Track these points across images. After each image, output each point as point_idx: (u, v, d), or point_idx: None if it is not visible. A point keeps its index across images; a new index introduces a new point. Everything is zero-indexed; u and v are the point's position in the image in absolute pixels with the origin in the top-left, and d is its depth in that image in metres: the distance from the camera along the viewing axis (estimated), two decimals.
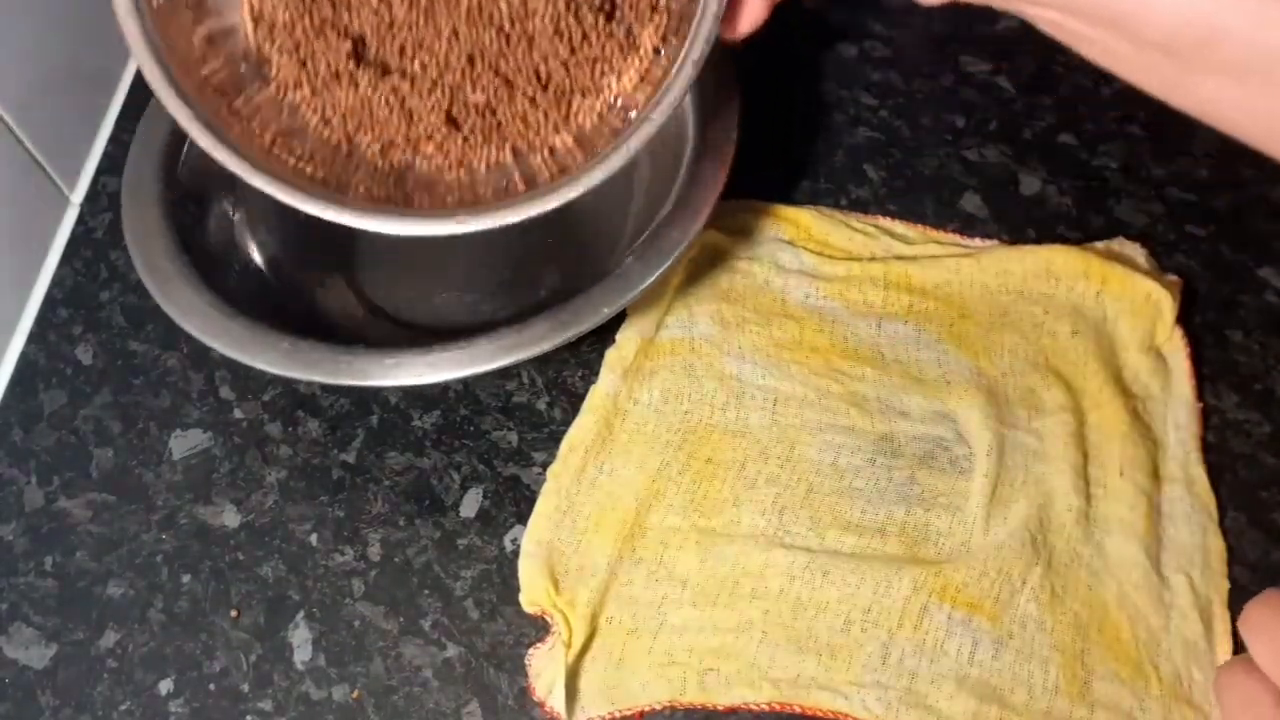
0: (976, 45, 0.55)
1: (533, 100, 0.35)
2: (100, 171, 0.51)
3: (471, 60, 0.35)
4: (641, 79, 0.34)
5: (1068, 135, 0.52)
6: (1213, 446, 0.43)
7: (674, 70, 0.32)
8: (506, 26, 0.34)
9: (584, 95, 0.35)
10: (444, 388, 0.45)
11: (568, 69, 0.35)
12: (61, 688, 0.39)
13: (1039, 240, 0.48)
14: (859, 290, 0.46)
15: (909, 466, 0.42)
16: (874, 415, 0.43)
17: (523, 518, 0.42)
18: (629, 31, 0.34)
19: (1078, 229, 0.49)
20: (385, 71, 0.35)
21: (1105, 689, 0.38)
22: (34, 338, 0.47)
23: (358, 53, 0.35)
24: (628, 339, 0.44)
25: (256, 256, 0.45)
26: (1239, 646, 0.38)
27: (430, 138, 0.35)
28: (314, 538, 0.42)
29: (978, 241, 0.48)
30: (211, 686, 0.39)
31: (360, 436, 0.44)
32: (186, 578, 0.41)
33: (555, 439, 0.43)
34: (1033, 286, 0.46)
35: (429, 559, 0.41)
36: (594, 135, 0.35)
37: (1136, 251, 0.47)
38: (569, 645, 0.38)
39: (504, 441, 0.44)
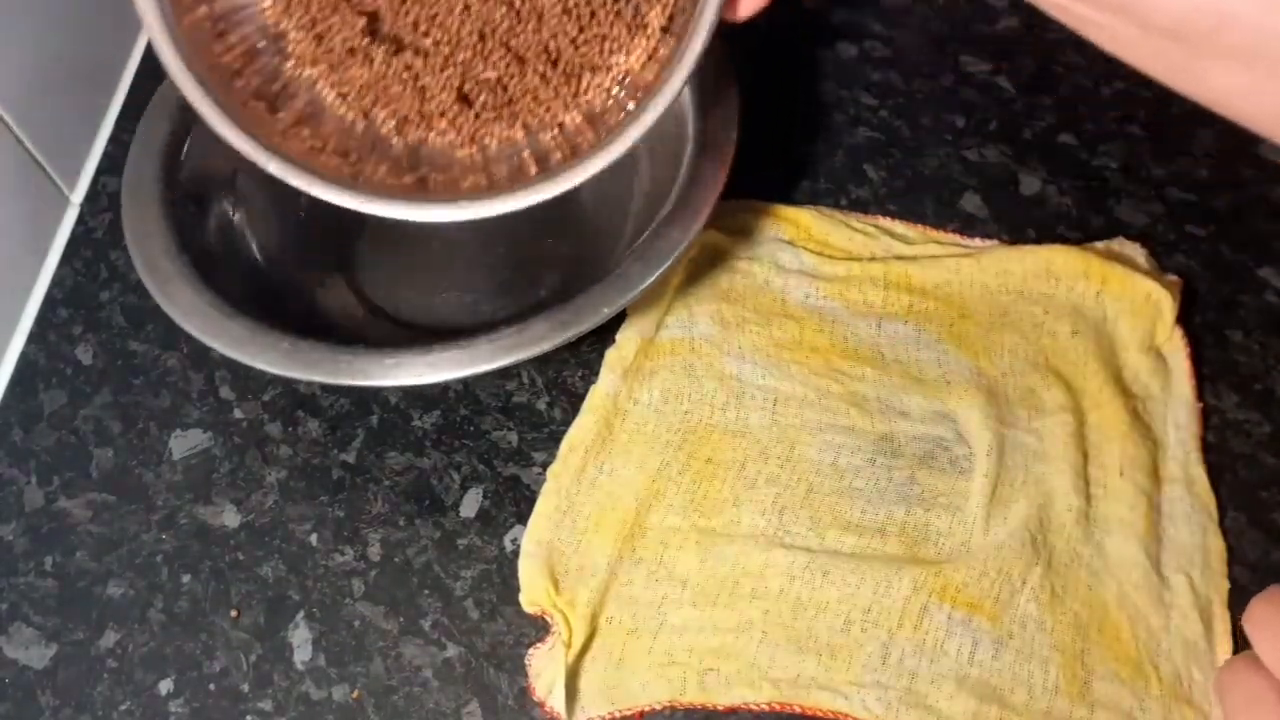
0: (976, 45, 0.55)
1: (543, 77, 0.35)
2: (100, 171, 0.51)
3: (482, 36, 0.35)
4: (649, 57, 0.35)
5: (1068, 135, 0.52)
6: (1213, 446, 0.43)
7: (677, 52, 0.32)
8: (517, 3, 0.35)
9: (593, 73, 0.35)
10: (444, 388, 0.45)
11: (576, 46, 0.35)
12: (61, 688, 0.39)
13: (1039, 240, 0.48)
14: (859, 290, 0.46)
15: (909, 466, 0.42)
16: (874, 415, 0.43)
17: (523, 518, 0.42)
18: (636, 10, 0.35)
19: (1078, 229, 0.49)
20: (399, 48, 0.35)
21: (1105, 689, 0.38)
22: (34, 338, 0.47)
23: (372, 28, 0.35)
24: (628, 339, 0.44)
25: (256, 256, 0.45)
26: (1239, 646, 0.38)
27: (443, 114, 0.36)
28: (314, 538, 0.42)
29: (978, 241, 0.48)
30: (211, 686, 0.39)
31: (360, 436, 0.44)
32: (186, 578, 0.41)
33: (555, 439, 0.43)
34: (1033, 286, 0.46)
35: (429, 559, 0.41)
36: (603, 113, 0.35)
37: (1136, 251, 0.47)
38: (569, 645, 0.38)
39: (504, 441, 0.44)
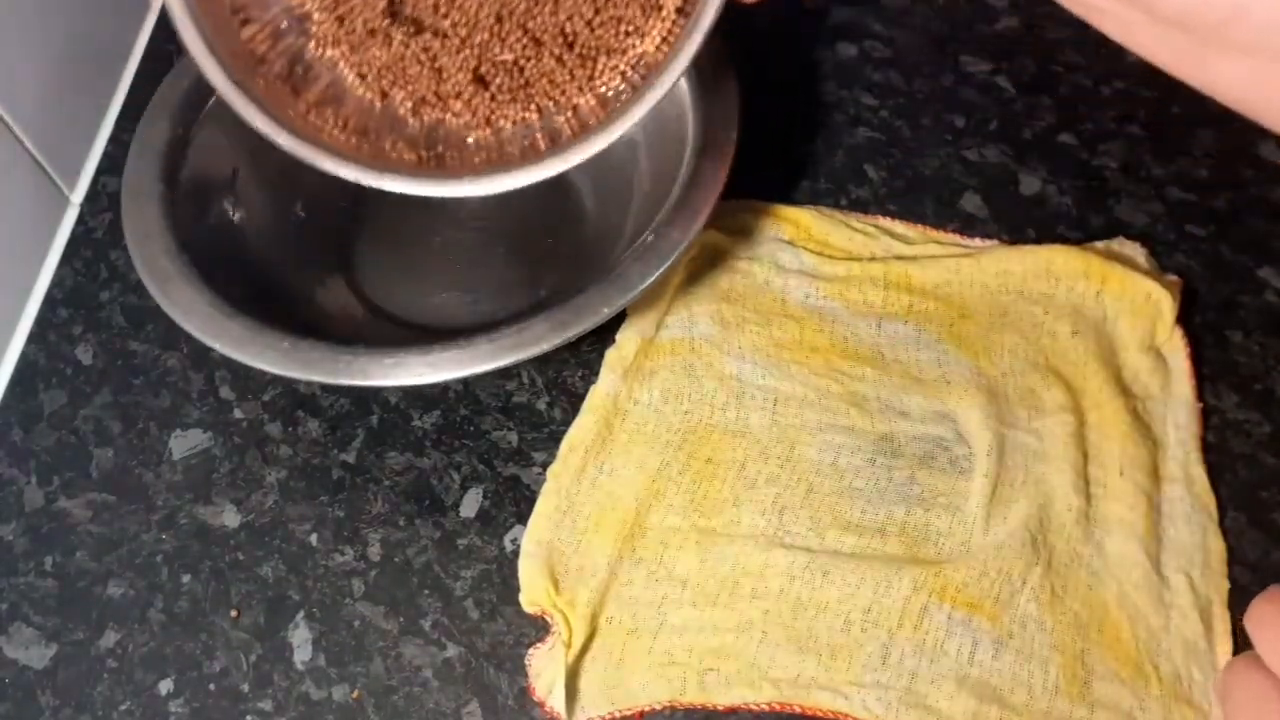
0: (976, 45, 0.55)
1: (559, 59, 0.36)
2: (100, 171, 0.51)
3: (500, 19, 0.35)
4: (664, 40, 0.35)
5: (1068, 135, 0.52)
6: (1213, 446, 0.43)
7: (684, 32, 0.33)
8: None
9: (608, 55, 0.35)
10: (444, 388, 0.45)
11: (592, 29, 0.35)
12: (61, 688, 0.39)
13: (1039, 240, 0.48)
14: (859, 290, 0.46)
15: (909, 466, 0.42)
16: (874, 415, 0.43)
17: (523, 518, 0.42)
18: None
19: (1078, 229, 0.49)
20: (419, 29, 0.36)
21: (1105, 689, 0.38)
22: (34, 338, 0.47)
23: (393, 9, 0.36)
24: (628, 339, 0.44)
25: (256, 256, 0.45)
26: (1239, 646, 0.38)
27: (459, 95, 0.36)
28: (314, 538, 0.42)
29: (978, 241, 0.48)
30: (211, 686, 0.39)
31: (360, 436, 0.44)
32: (186, 578, 0.41)
33: (555, 439, 0.43)
34: (1033, 286, 0.46)
35: (429, 559, 0.41)
36: (617, 96, 0.36)
37: (1136, 251, 0.47)
38: (569, 645, 0.38)
39: (504, 441, 0.44)
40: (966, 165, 0.51)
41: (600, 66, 0.36)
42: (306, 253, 0.47)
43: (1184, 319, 0.45)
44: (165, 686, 0.39)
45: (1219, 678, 0.38)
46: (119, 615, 0.40)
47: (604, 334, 0.44)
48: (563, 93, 0.36)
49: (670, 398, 0.43)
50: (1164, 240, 0.48)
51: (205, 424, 0.44)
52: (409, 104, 0.37)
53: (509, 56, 0.36)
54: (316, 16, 0.36)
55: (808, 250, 0.47)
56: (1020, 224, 0.49)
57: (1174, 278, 0.46)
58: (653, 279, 0.38)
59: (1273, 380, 0.45)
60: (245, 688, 0.39)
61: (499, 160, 0.36)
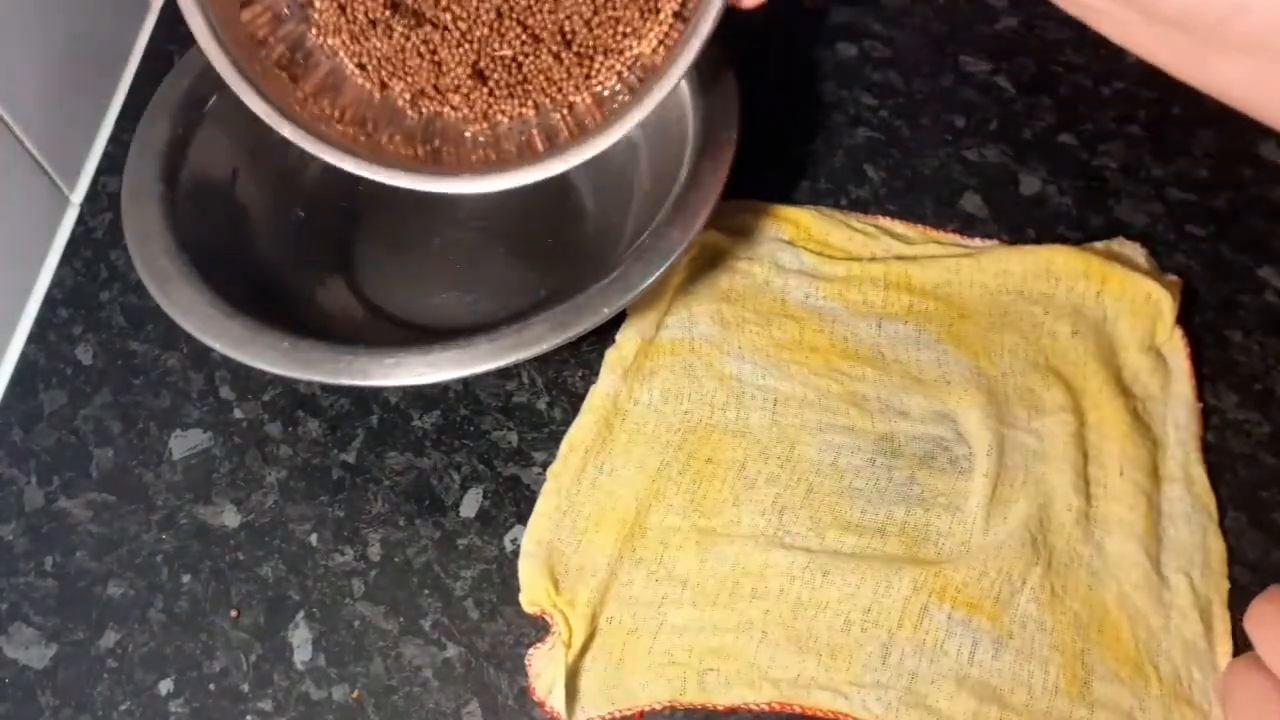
0: (976, 45, 0.55)
1: (557, 57, 0.36)
2: (100, 171, 0.51)
3: (500, 14, 0.36)
4: (660, 43, 0.35)
5: (1068, 135, 0.52)
6: (1213, 446, 0.43)
7: (684, 40, 0.33)
8: None
9: (605, 55, 0.36)
10: (444, 388, 0.45)
11: (590, 28, 0.36)
12: (61, 688, 0.39)
13: (1039, 240, 0.48)
14: (859, 290, 0.46)
15: (909, 466, 0.42)
16: (874, 415, 0.43)
17: (523, 518, 0.42)
18: None
19: (1078, 229, 0.49)
20: (419, 21, 0.36)
21: (1105, 689, 0.38)
22: (34, 338, 0.47)
23: (394, 1, 0.36)
24: (628, 339, 0.44)
25: (256, 256, 0.45)
26: (1239, 646, 0.38)
27: (457, 89, 0.36)
28: (314, 538, 0.42)
29: (978, 241, 0.48)
30: (211, 686, 0.39)
31: (360, 436, 0.44)
32: (186, 578, 0.41)
33: (555, 439, 0.43)
34: (1033, 286, 0.46)
35: (429, 559, 0.41)
36: (612, 96, 0.36)
37: (1136, 251, 0.47)
38: (569, 645, 0.38)
39: (504, 441, 0.44)
40: (966, 165, 0.51)
41: (597, 66, 0.36)
42: (306, 253, 0.47)
43: (1184, 319, 0.45)
44: (165, 686, 0.39)
45: (1220, 678, 0.38)
46: (119, 615, 0.40)
47: (604, 334, 0.44)
48: (559, 90, 0.36)
49: (670, 398, 0.43)
50: (1164, 240, 0.48)
51: (205, 424, 0.44)
52: (408, 95, 0.37)
53: (508, 52, 0.36)
54: (318, 4, 0.36)
55: (808, 250, 0.47)
56: (1020, 224, 0.49)
57: (1174, 278, 0.46)
58: (653, 279, 0.38)
59: (1273, 380, 0.45)
60: (245, 688, 0.39)
61: (495, 157, 0.36)
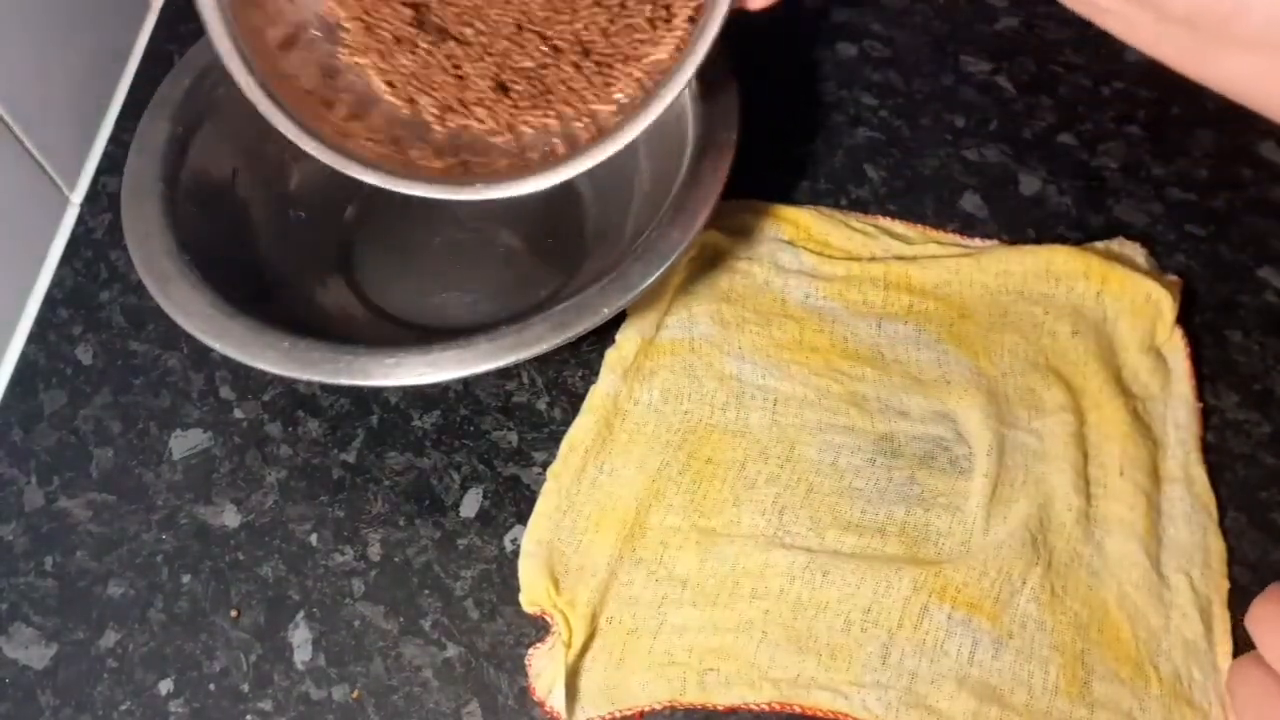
0: (976, 45, 0.55)
1: (577, 66, 0.36)
2: (100, 171, 0.51)
3: (520, 27, 0.36)
4: (677, 48, 0.35)
5: (1067, 135, 0.52)
6: (1212, 446, 0.43)
7: (693, 39, 0.33)
8: None
9: (625, 63, 0.36)
10: (444, 388, 0.45)
11: (607, 36, 0.36)
12: (62, 688, 0.39)
13: (1039, 240, 0.48)
14: (859, 290, 0.46)
15: (909, 466, 0.42)
16: (874, 415, 0.43)
17: (523, 518, 0.42)
18: (666, 2, 0.35)
19: (1078, 229, 0.49)
20: (443, 37, 0.37)
21: (1105, 689, 0.38)
22: (34, 338, 0.47)
23: (419, 18, 0.37)
24: (628, 339, 0.44)
25: (256, 257, 0.45)
26: (1239, 646, 0.38)
27: (481, 102, 0.37)
28: (314, 538, 0.42)
29: (978, 241, 0.48)
30: (211, 686, 0.39)
31: (360, 436, 0.44)
32: (187, 578, 0.41)
33: (555, 439, 0.43)
34: (1033, 286, 0.46)
35: (429, 559, 0.41)
36: (634, 104, 0.36)
37: (1136, 251, 0.47)
38: (569, 645, 0.38)
39: (504, 441, 0.44)
40: (966, 165, 0.51)
41: (617, 74, 0.36)
42: (306, 253, 0.47)
43: (1184, 319, 0.45)
44: (165, 686, 0.39)
45: (1226, 678, 0.38)
46: (119, 615, 0.40)
47: (604, 334, 0.44)
48: (581, 99, 0.36)
49: (670, 398, 0.43)
50: (1164, 240, 0.48)
51: (205, 424, 0.44)
52: (435, 110, 0.37)
53: (529, 64, 0.36)
54: (348, 24, 0.37)
55: (807, 250, 0.47)
56: (1020, 224, 0.49)
57: (1174, 278, 0.46)
58: (653, 279, 0.38)
59: (1272, 380, 0.45)
60: (245, 688, 0.39)
61: (520, 166, 0.36)
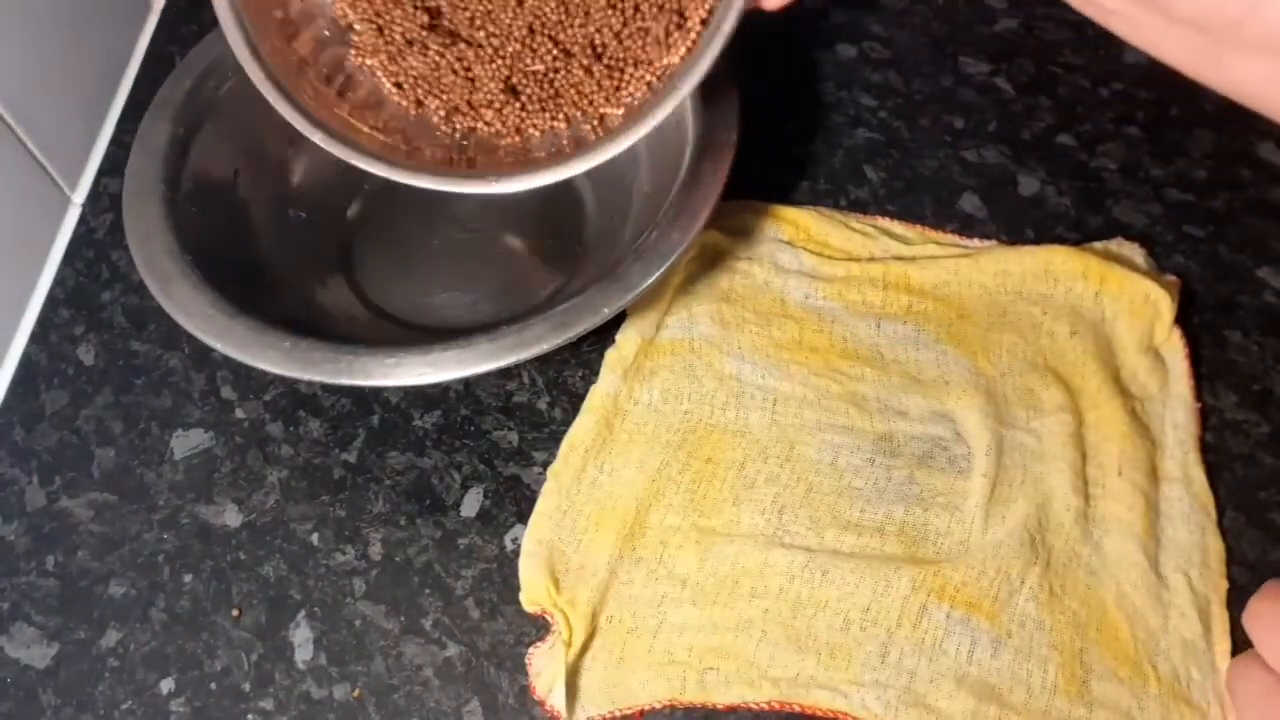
0: (975, 46, 0.55)
1: (588, 70, 0.36)
2: (102, 172, 0.52)
3: (531, 30, 0.36)
4: (689, 51, 0.35)
5: (1066, 136, 0.52)
6: (1211, 446, 0.43)
7: (705, 40, 0.34)
8: None
9: (636, 66, 0.36)
10: (444, 388, 0.45)
11: (620, 40, 0.36)
12: (63, 687, 0.39)
13: (1038, 240, 0.48)
14: (858, 290, 0.46)
15: (908, 466, 0.42)
16: (873, 415, 0.43)
17: (523, 517, 0.42)
18: (679, 5, 0.35)
19: (1076, 229, 0.49)
20: (454, 40, 0.37)
21: (1104, 688, 0.38)
22: (36, 338, 0.47)
23: (431, 22, 0.37)
24: (628, 339, 0.44)
25: (257, 257, 0.45)
26: (1238, 646, 0.38)
27: (490, 104, 0.37)
28: (315, 537, 0.42)
29: (976, 242, 0.48)
30: (213, 685, 0.39)
31: (361, 436, 0.44)
32: (188, 577, 0.41)
33: (555, 439, 0.43)
34: (1031, 287, 0.46)
35: (430, 558, 0.41)
36: (642, 106, 0.36)
37: (1135, 252, 0.47)
38: (569, 644, 0.38)
39: (504, 441, 0.44)
40: (965, 166, 0.51)
41: (627, 77, 0.36)
42: (307, 253, 0.47)
43: (1182, 319, 0.45)
44: (167, 686, 0.39)
45: (1226, 676, 0.38)
46: (120, 615, 0.40)
47: (604, 334, 0.44)
48: (590, 103, 0.37)
49: (670, 398, 0.43)
50: (1162, 241, 0.48)
51: (207, 424, 0.45)
52: (442, 112, 0.37)
53: (540, 67, 0.37)
54: (358, 27, 0.37)
55: (807, 251, 0.47)
56: (1019, 224, 0.49)
57: (1172, 278, 0.46)
58: (653, 279, 0.38)
59: (1271, 380, 0.45)
60: (246, 687, 0.39)
61: (525, 164, 0.36)
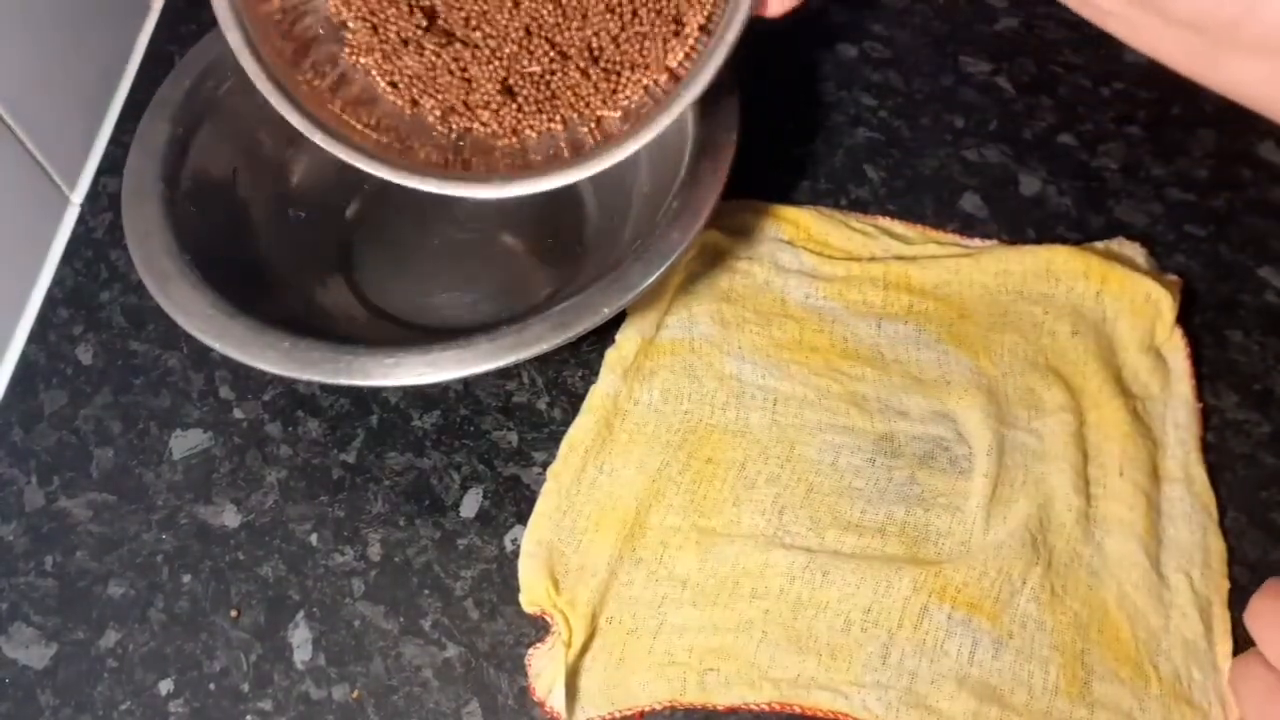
0: (976, 45, 0.55)
1: (585, 73, 0.36)
2: (101, 171, 0.51)
3: (529, 32, 0.36)
4: (687, 57, 0.35)
5: (1067, 135, 0.52)
6: (1212, 446, 0.43)
7: (710, 48, 0.33)
8: (564, 0, 0.36)
9: (633, 70, 0.36)
10: (444, 388, 0.45)
11: (618, 44, 0.36)
12: (62, 687, 0.39)
13: (1039, 240, 0.48)
14: (859, 290, 0.46)
15: (909, 466, 0.42)
16: (874, 415, 0.43)
17: (523, 518, 0.42)
18: (677, 10, 0.35)
19: (1077, 229, 0.49)
20: (450, 40, 0.37)
21: (1105, 689, 0.38)
22: (34, 337, 0.47)
23: (427, 22, 0.37)
24: (628, 339, 0.44)
25: (257, 257, 0.45)
26: (1239, 646, 0.38)
27: (487, 105, 0.37)
28: (314, 538, 0.42)
29: (977, 241, 0.48)
30: (211, 686, 0.39)
31: (360, 436, 0.44)
32: (187, 577, 0.41)
33: (555, 439, 0.43)
34: (1032, 286, 0.46)
35: (429, 559, 0.41)
36: (640, 109, 0.36)
37: (1136, 251, 0.47)
38: (569, 645, 0.38)
39: (504, 441, 0.44)
40: (966, 165, 0.51)
41: (624, 81, 0.36)
42: (306, 252, 0.47)
43: (1184, 319, 0.45)
44: (165, 686, 0.39)
45: (1229, 675, 0.38)
46: (119, 615, 0.40)
47: (604, 334, 0.44)
48: (587, 105, 0.37)
49: (670, 398, 0.43)
50: (1163, 240, 0.48)
51: (205, 424, 0.44)
52: (438, 112, 0.37)
53: (536, 69, 0.36)
54: (352, 25, 0.37)
55: (807, 250, 0.47)
56: (1020, 224, 0.49)
57: (1174, 278, 0.46)
58: (653, 279, 0.38)
59: (1272, 380, 0.45)
60: (245, 687, 0.39)
61: (523, 167, 0.36)
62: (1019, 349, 0.44)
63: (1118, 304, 0.45)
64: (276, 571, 0.41)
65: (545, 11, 0.36)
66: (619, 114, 0.36)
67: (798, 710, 0.38)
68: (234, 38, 0.34)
